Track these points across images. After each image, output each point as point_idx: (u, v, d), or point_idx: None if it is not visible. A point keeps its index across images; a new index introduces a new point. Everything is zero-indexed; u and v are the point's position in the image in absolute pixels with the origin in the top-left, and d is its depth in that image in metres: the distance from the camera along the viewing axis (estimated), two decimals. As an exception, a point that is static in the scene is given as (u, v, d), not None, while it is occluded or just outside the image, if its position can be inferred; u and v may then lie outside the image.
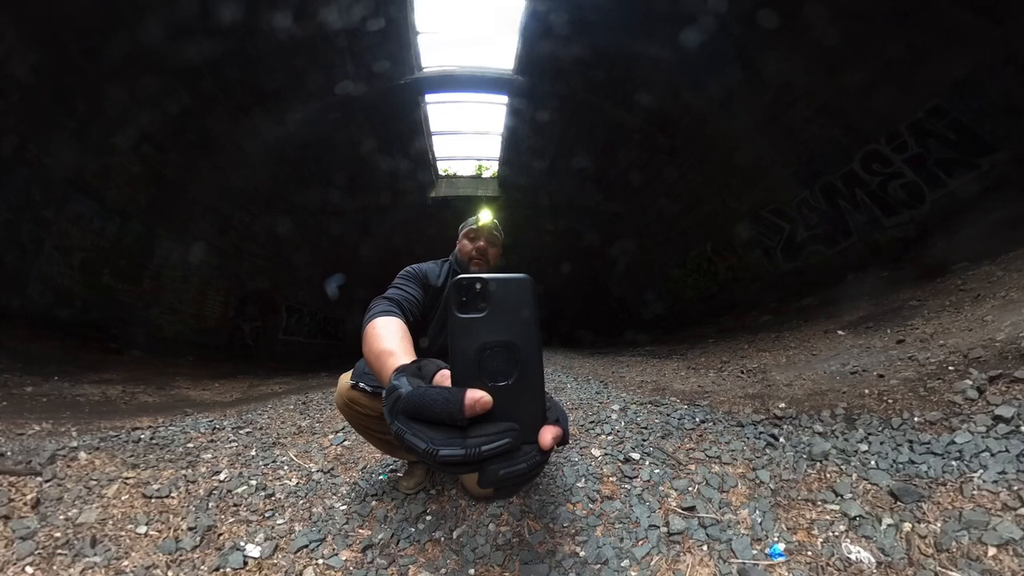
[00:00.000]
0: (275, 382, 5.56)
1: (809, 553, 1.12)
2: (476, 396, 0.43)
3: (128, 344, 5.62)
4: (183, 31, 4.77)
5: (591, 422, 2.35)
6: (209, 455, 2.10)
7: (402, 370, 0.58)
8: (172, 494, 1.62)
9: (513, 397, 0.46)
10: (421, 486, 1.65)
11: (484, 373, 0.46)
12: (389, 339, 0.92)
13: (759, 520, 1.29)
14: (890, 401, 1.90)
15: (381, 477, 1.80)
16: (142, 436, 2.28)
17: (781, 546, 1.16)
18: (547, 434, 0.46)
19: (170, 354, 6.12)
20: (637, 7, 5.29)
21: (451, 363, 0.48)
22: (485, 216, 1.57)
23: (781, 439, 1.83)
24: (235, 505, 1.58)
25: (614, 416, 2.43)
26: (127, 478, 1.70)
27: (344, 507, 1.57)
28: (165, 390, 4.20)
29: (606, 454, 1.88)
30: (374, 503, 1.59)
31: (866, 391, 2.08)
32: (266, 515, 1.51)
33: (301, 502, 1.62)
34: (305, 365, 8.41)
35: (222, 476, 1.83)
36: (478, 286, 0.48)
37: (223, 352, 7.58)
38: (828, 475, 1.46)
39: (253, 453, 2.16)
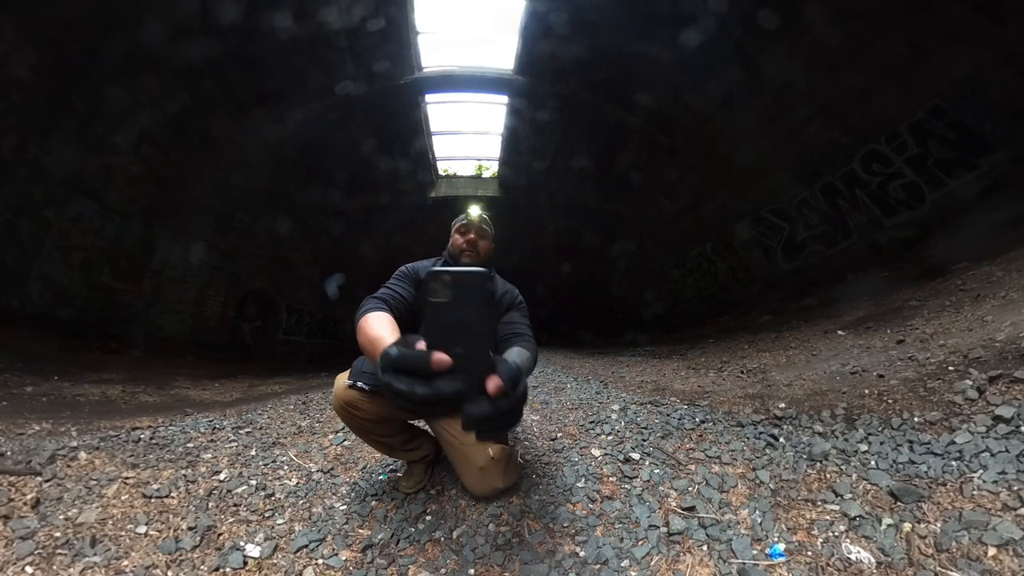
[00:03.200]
0: (275, 382, 5.56)
1: (809, 553, 1.12)
2: (440, 357, 0.61)
3: (128, 344, 5.62)
4: (183, 31, 4.76)
5: (591, 422, 2.35)
6: (209, 455, 2.09)
7: (393, 342, 0.75)
8: (172, 494, 1.62)
9: (467, 359, 0.62)
10: (421, 486, 1.65)
11: (449, 341, 0.62)
12: (380, 327, 1.09)
13: (759, 520, 1.29)
14: (890, 401, 1.90)
15: (381, 477, 1.80)
16: (142, 436, 2.27)
17: (781, 546, 1.15)
18: (490, 383, 0.63)
19: (170, 354, 6.12)
20: (637, 7, 5.28)
21: (423, 334, 0.66)
22: (474, 211, 1.63)
23: (781, 439, 1.83)
24: (235, 505, 1.58)
25: (614, 416, 2.43)
26: (127, 478, 1.70)
27: (344, 507, 1.57)
28: (165, 390, 4.20)
29: (606, 454, 1.88)
30: (374, 503, 1.59)
31: (866, 391, 2.08)
32: (266, 515, 1.51)
33: (301, 502, 1.62)
34: (305, 365, 8.41)
35: (222, 476, 1.83)
36: (446, 278, 0.64)
37: (223, 352, 7.57)
38: (828, 475, 1.46)
39: (253, 453, 2.16)
